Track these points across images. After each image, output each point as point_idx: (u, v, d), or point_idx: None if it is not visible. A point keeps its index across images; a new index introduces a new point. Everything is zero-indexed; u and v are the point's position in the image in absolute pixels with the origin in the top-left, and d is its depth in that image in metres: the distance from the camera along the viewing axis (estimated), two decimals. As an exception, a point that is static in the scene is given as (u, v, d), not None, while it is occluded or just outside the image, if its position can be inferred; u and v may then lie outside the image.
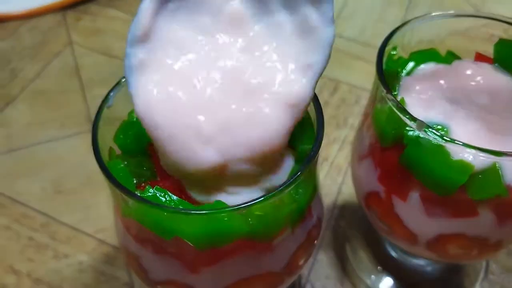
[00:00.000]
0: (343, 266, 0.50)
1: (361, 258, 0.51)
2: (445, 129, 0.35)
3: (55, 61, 0.70)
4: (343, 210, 0.54)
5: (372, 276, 0.50)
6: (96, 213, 0.54)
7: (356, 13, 0.77)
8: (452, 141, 0.32)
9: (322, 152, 0.59)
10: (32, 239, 0.53)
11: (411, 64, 0.40)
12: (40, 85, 0.67)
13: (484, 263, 0.50)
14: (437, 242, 0.38)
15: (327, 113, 0.59)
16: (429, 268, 0.50)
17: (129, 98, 0.36)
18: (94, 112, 0.62)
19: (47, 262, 0.51)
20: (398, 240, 0.40)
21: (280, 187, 0.29)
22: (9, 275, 0.50)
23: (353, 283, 0.49)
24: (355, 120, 0.62)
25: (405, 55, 0.41)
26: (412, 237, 0.38)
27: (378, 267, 0.50)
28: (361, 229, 0.52)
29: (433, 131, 0.32)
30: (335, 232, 0.53)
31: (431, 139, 0.33)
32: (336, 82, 0.67)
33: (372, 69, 0.69)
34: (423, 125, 0.33)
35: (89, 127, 0.62)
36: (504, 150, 0.31)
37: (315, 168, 0.34)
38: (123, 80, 0.36)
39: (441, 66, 0.40)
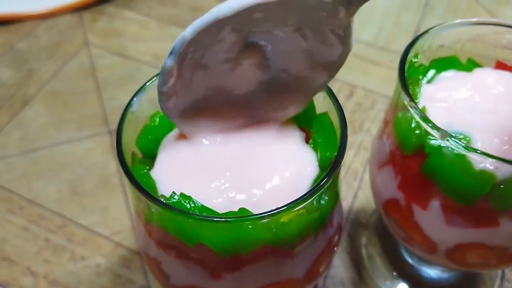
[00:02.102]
0: (359, 272, 0.50)
1: (377, 264, 0.51)
2: (467, 138, 0.35)
3: (72, 62, 0.71)
4: (359, 216, 0.54)
5: (388, 282, 0.50)
6: (112, 215, 0.55)
7: (372, 17, 0.77)
8: (475, 150, 0.32)
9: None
10: (49, 240, 0.53)
11: (431, 72, 0.40)
12: (57, 86, 0.68)
13: (500, 271, 0.50)
14: (456, 251, 0.38)
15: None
16: (445, 275, 0.50)
17: (151, 102, 0.37)
18: (110, 113, 0.64)
19: (63, 264, 0.51)
20: (416, 248, 0.41)
21: (305, 195, 0.29)
22: (26, 276, 0.50)
23: (369, 289, 0.49)
24: (370, 125, 0.63)
25: (426, 62, 0.41)
26: (431, 246, 0.38)
27: (394, 273, 0.50)
28: (377, 234, 0.52)
29: (456, 140, 0.32)
30: (350, 238, 0.53)
31: (453, 148, 0.33)
32: (351, 86, 0.67)
33: (387, 74, 0.69)
34: (447, 135, 0.33)
35: (105, 128, 0.62)
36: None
37: (338, 175, 0.34)
38: (147, 84, 0.36)
39: (461, 74, 0.40)
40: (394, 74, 0.69)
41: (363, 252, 0.52)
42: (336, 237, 0.37)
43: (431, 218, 0.37)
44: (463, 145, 0.32)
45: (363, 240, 0.52)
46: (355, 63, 0.70)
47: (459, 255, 0.38)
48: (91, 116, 0.64)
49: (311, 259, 0.35)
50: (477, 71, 0.40)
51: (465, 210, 0.35)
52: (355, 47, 0.75)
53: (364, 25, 0.76)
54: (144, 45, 0.73)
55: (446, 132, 0.33)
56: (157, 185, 0.33)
